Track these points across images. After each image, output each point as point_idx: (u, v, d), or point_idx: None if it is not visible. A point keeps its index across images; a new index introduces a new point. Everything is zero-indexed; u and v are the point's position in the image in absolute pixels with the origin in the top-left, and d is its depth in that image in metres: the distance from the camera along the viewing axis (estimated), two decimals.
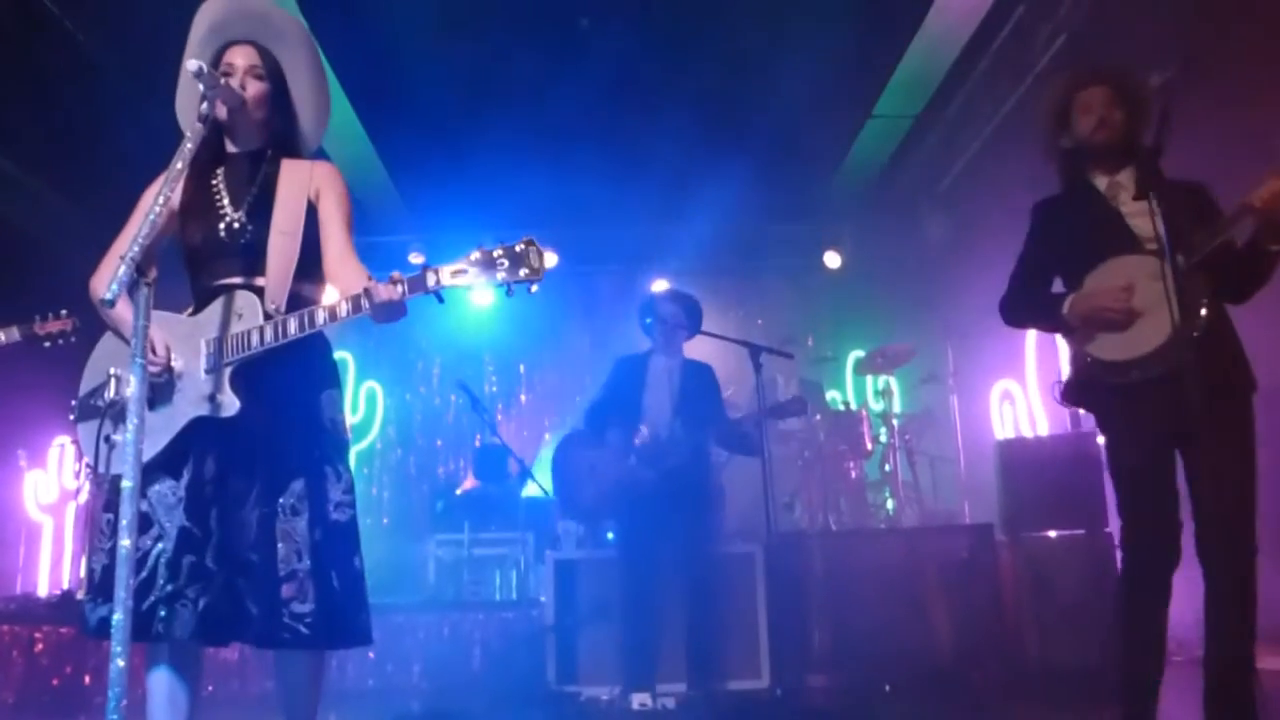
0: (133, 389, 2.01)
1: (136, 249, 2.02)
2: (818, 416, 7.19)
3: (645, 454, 4.87)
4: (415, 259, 8.63)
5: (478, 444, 8.42)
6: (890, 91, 6.88)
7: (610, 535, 5.60)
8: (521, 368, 9.37)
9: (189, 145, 2.26)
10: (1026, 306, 3.20)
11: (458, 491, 7.66)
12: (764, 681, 4.94)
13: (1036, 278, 3.19)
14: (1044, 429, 6.85)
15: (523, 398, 9.37)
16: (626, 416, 4.97)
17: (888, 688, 4.80)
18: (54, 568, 6.90)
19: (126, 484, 1.98)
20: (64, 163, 6.69)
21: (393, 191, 8.16)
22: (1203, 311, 2.71)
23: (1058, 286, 3.15)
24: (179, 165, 2.22)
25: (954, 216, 7.95)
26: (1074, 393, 3.07)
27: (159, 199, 2.12)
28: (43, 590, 6.69)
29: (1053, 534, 5.09)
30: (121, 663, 1.91)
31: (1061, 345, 3.70)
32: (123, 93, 5.97)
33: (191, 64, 2.31)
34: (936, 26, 6.11)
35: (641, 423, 4.92)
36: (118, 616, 1.93)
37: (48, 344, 4.55)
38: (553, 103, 6.72)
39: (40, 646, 4.87)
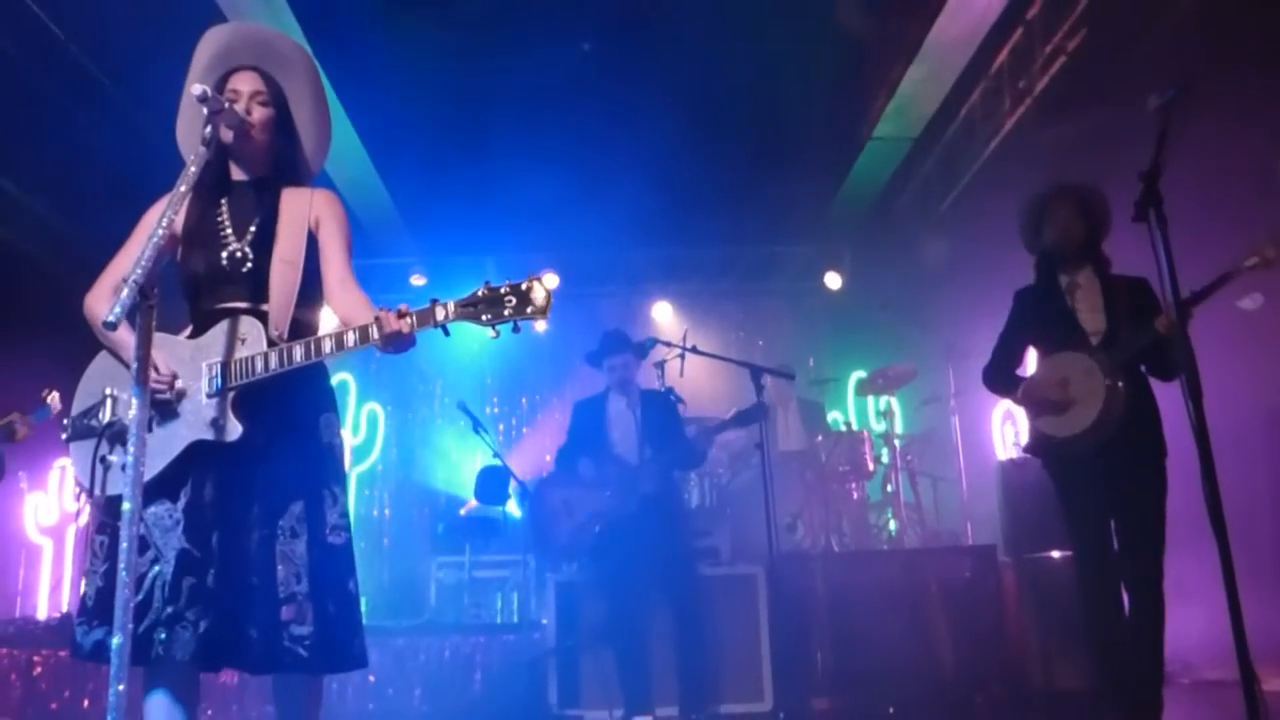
0: (134, 413, 2.00)
1: (140, 272, 2.01)
2: (820, 438, 7.18)
3: (620, 482, 4.95)
4: (417, 281, 8.65)
5: (479, 465, 8.39)
6: (890, 114, 6.92)
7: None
8: (522, 389, 9.38)
9: (192, 169, 2.26)
10: (997, 382, 3.91)
11: (461, 512, 7.63)
12: (767, 704, 4.91)
13: (1010, 355, 3.91)
14: None
15: (523, 422, 9.37)
16: (596, 455, 5.08)
17: (891, 710, 4.77)
18: (54, 590, 6.88)
19: (126, 506, 1.97)
20: (63, 184, 6.72)
21: (395, 214, 8.19)
22: (1119, 384, 3.43)
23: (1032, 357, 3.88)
24: (182, 189, 2.23)
25: (954, 237, 7.96)
26: (1033, 451, 3.81)
27: (162, 222, 2.12)
28: (42, 613, 6.67)
29: (1055, 555, 5.08)
30: (122, 687, 1.90)
31: None
32: (123, 115, 6.01)
33: (196, 88, 2.31)
34: (936, 50, 6.15)
35: (612, 455, 5.03)
36: (117, 640, 1.92)
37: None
38: (555, 126, 6.76)
39: (39, 670, 4.84)
